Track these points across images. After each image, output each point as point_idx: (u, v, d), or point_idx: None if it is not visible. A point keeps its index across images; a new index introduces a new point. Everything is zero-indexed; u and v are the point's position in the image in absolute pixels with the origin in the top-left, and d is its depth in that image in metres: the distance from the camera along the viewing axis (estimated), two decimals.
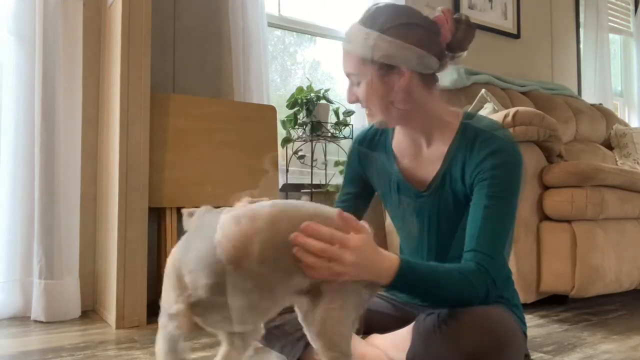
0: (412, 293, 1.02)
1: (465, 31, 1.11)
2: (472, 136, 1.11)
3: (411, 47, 1.07)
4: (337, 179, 2.75)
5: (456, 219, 1.15)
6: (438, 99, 1.17)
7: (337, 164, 2.67)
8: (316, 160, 2.54)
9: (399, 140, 1.24)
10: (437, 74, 1.15)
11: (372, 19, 1.09)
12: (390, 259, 0.96)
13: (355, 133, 1.47)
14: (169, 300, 0.85)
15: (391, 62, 1.08)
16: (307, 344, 1.15)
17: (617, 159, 3.34)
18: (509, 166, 1.07)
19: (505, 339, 0.98)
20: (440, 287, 0.99)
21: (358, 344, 1.16)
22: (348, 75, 1.14)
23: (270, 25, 2.70)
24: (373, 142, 1.30)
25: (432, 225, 1.19)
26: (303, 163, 2.57)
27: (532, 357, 1.48)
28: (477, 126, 1.13)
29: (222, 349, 0.97)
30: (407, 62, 1.08)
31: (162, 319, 0.87)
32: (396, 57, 1.08)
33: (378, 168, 1.28)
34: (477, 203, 1.07)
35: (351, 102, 1.17)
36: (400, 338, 1.11)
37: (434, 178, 1.16)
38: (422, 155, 1.19)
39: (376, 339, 1.20)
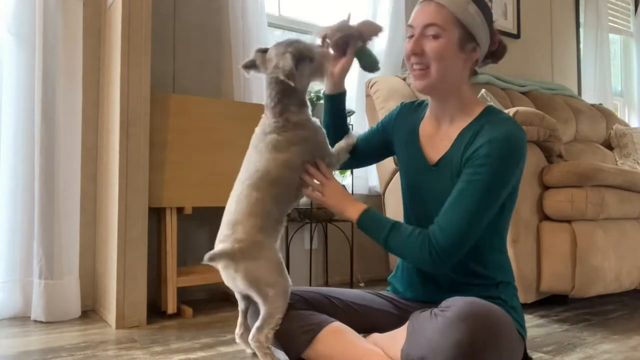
0: (369, 232, 1.23)
1: (502, 48, 1.27)
2: (482, 124, 1.18)
3: (488, 33, 1.22)
4: (337, 179, 2.75)
5: None
6: (471, 89, 1.27)
7: None
8: None
9: (427, 117, 1.32)
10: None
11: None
12: (359, 204, 1.25)
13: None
14: None
15: (476, 36, 1.19)
16: (310, 341, 1.16)
17: (617, 159, 3.34)
18: (501, 158, 1.11)
19: (499, 328, 0.99)
20: (387, 237, 1.19)
21: (359, 341, 1.17)
22: (427, 25, 1.18)
23: (270, 25, 2.70)
24: (416, 111, 1.37)
25: (437, 198, 1.23)
26: None
27: (532, 357, 1.47)
28: (491, 118, 1.19)
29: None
30: (482, 43, 1.21)
31: None
32: (479, 35, 1.20)
33: (404, 135, 1.35)
34: (459, 183, 1.14)
35: (413, 52, 1.20)
36: (400, 336, 1.12)
37: (442, 157, 1.23)
38: (439, 134, 1.26)
39: (376, 337, 1.20)
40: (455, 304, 1.02)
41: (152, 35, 1.94)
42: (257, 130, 1.31)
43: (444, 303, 1.06)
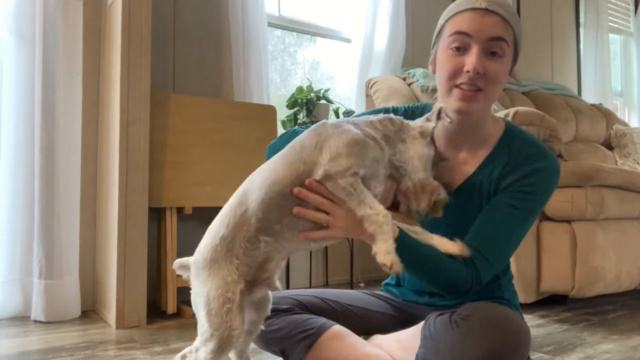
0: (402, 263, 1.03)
1: None
2: (517, 146, 1.11)
3: None
4: None
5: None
6: None
7: None
8: None
9: (435, 137, 1.19)
10: None
11: (515, 15, 1.09)
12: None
13: None
14: None
15: (518, 59, 1.11)
16: (310, 347, 1.15)
17: (617, 159, 3.34)
18: (548, 186, 1.10)
19: (520, 337, 0.98)
20: (429, 268, 1.01)
21: (361, 344, 1.16)
22: (495, 39, 1.03)
23: (270, 25, 2.70)
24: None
25: (451, 225, 1.14)
26: None
27: (532, 357, 1.47)
28: (522, 140, 1.13)
29: None
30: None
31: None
32: (519, 57, 1.12)
33: None
34: (499, 207, 1.07)
35: (478, 70, 1.03)
36: (407, 339, 1.10)
37: (463, 182, 1.14)
38: (457, 159, 1.16)
39: (380, 339, 1.19)
40: (476, 313, 0.99)
41: (152, 35, 1.94)
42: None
43: (463, 310, 1.02)
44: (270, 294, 1.12)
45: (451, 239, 1.04)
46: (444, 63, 1.07)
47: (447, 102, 1.08)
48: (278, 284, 1.07)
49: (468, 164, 1.15)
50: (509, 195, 1.07)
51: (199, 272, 0.98)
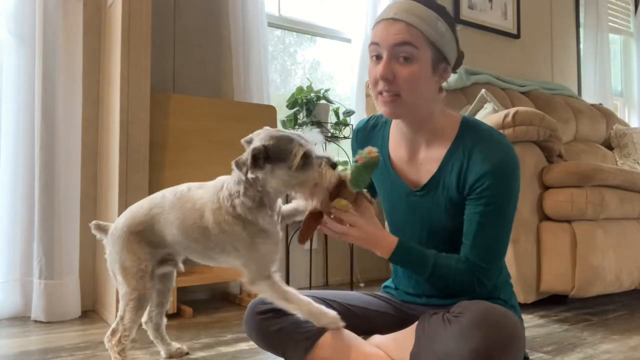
0: (407, 269, 1.18)
1: (461, 57, 1.18)
2: (470, 145, 1.13)
3: (455, 48, 1.13)
4: None
5: (446, 220, 1.18)
6: (443, 105, 1.20)
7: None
8: None
9: (395, 140, 1.25)
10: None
11: (438, 8, 1.11)
12: (389, 240, 1.13)
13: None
14: None
15: (447, 56, 1.11)
16: (311, 347, 1.15)
17: (617, 159, 3.34)
18: (506, 182, 1.10)
19: (513, 333, 0.99)
20: (431, 274, 1.12)
21: (360, 344, 1.16)
22: (399, 44, 1.06)
23: (270, 25, 2.70)
24: (372, 133, 1.31)
25: (423, 223, 1.21)
26: None
27: (531, 357, 1.48)
28: (475, 134, 1.14)
29: None
30: (451, 61, 1.13)
31: None
32: (450, 54, 1.12)
33: None
34: (472, 217, 1.11)
35: (385, 76, 1.08)
36: (403, 338, 1.11)
37: (429, 181, 1.18)
38: (417, 159, 1.20)
39: (378, 339, 1.19)
40: (468, 310, 1.00)
41: (152, 35, 1.94)
42: (220, 184, 1.28)
43: (456, 308, 1.04)
44: (175, 271, 1.41)
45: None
46: (368, 72, 1.14)
47: (378, 108, 1.15)
48: (181, 265, 1.36)
49: (431, 162, 1.18)
50: (473, 203, 1.11)
51: (115, 242, 1.25)
